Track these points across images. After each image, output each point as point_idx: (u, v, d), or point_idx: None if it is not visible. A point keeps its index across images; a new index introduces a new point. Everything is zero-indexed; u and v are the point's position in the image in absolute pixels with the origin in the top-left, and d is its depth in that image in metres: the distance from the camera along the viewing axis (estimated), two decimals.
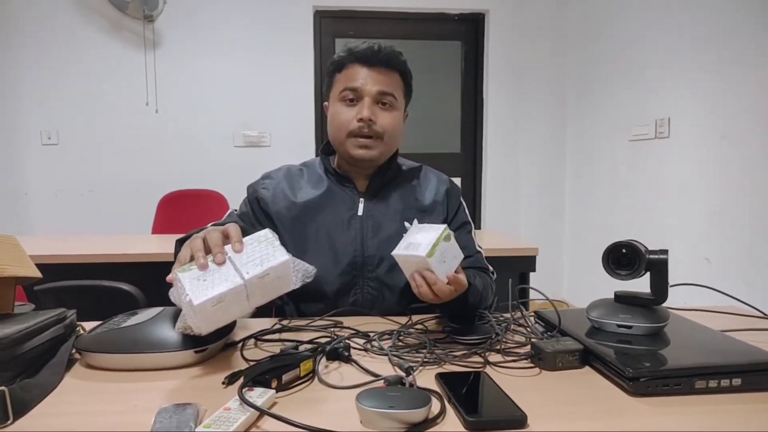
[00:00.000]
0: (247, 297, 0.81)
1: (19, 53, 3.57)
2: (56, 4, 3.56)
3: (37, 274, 0.92)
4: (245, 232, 1.19)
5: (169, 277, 0.83)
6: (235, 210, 1.28)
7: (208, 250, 0.85)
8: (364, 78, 1.16)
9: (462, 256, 0.95)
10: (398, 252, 0.92)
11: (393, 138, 1.20)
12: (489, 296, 1.18)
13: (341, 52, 1.20)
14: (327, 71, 1.25)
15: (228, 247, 0.85)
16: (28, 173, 3.67)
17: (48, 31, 3.58)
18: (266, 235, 0.88)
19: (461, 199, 1.32)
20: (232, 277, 0.79)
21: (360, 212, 1.21)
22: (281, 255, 0.84)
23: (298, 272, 0.88)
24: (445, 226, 0.93)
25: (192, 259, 0.84)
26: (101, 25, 3.62)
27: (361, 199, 1.23)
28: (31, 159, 3.66)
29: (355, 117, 1.16)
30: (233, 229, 0.88)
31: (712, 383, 0.73)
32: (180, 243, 1.07)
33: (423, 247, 0.88)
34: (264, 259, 0.82)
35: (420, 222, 1.22)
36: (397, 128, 1.20)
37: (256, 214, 1.23)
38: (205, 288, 0.76)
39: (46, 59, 3.59)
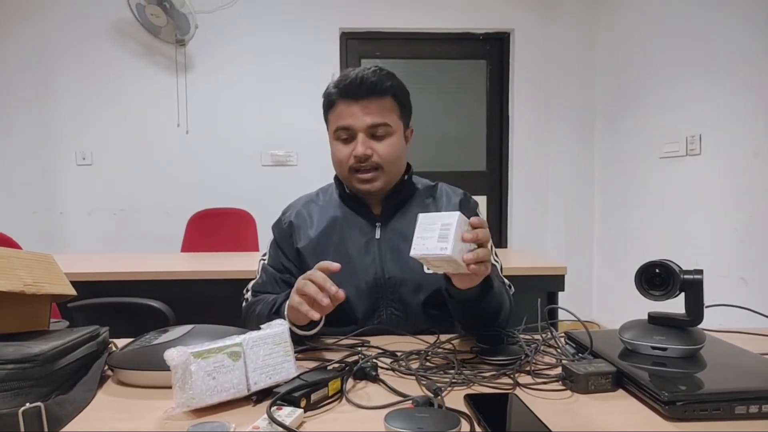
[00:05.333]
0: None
1: (56, 77, 3.71)
2: (93, 29, 3.70)
3: (72, 291, 0.94)
4: (282, 275, 1.23)
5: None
6: (264, 258, 1.29)
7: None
8: (353, 115, 1.15)
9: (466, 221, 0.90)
10: (416, 252, 0.88)
11: (394, 164, 1.19)
12: (506, 300, 1.15)
13: (329, 87, 1.19)
14: (322, 107, 1.23)
15: (246, 340, 0.79)
16: (63, 192, 3.78)
17: (84, 56, 3.71)
18: (283, 334, 0.83)
19: (477, 211, 1.29)
20: (239, 383, 0.76)
21: (377, 236, 1.22)
22: (290, 369, 0.81)
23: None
24: (458, 213, 0.89)
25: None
26: (135, 50, 3.74)
27: (378, 223, 1.23)
28: (66, 179, 3.77)
29: (352, 153, 1.16)
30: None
31: (753, 408, 0.70)
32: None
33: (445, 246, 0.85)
34: (274, 371, 0.80)
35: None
36: (396, 153, 1.19)
37: (287, 253, 1.25)
38: (211, 390, 0.74)
39: (82, 82, 3.72)
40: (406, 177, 1.26)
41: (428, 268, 0.91)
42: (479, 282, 0.96)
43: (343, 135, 1.17)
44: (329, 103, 1.20)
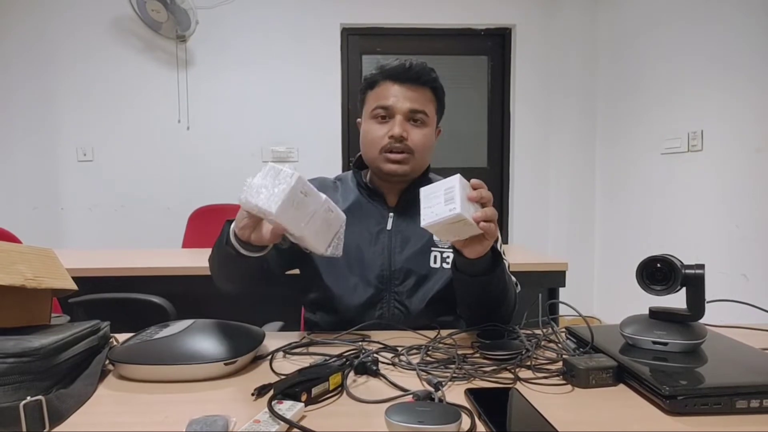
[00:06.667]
0: (311, 216, 0.85)
1: (57, 73, 3.71)
2: (94, 25, 3.70)
3: (73, 286, 0.94)
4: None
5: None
6: None
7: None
8: (395, 95, 1.17)
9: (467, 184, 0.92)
10: (426, 221, 0.88)
11: (424, 154, 1.21)
12: (512, 291, 1.14)
13: (373, 69, 1.21)
14: (360, 88, 1.26)
15: None
16: (65, 189, 3.79)
17: (85, 52, 3.71)
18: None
19: None
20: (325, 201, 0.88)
21: (389, 227, 1.22)
22: (341, 213, 0.91)
23: (339, 240, 0.92)
24: (458, 176, 0.90)
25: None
26: (136, 46, 3.74)
27: (391, 214, 1.24)
28: (68, 175, 3.78)
29: (387, 134, 1.17)
30: None
31: (754, 403, 0.70)
32: (229, 223, 1.06)
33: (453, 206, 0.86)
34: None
35: None
36: (428, 144, 1.21)
37: None
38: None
39: (83, 79, 3.72)
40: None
41: (440, 241, 0.91)
42: (489, 249, 0.97)
43: (382, 113, 1.18)
44: (370, 84, 1.22)
